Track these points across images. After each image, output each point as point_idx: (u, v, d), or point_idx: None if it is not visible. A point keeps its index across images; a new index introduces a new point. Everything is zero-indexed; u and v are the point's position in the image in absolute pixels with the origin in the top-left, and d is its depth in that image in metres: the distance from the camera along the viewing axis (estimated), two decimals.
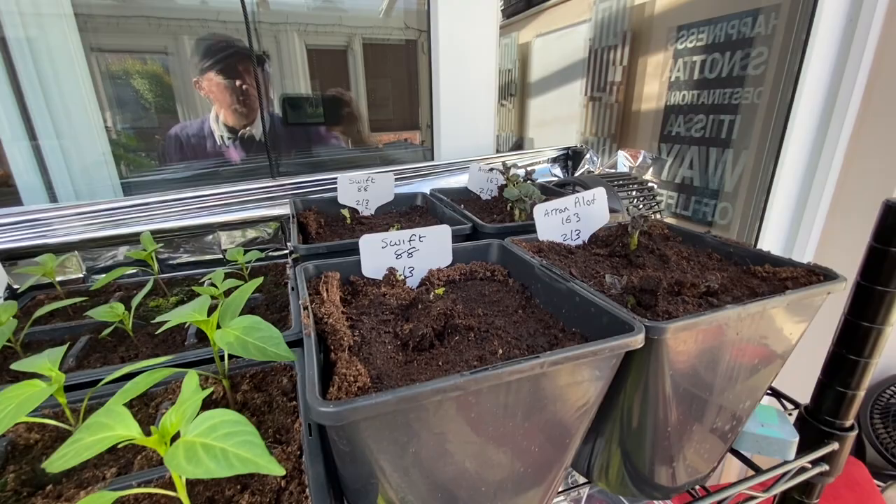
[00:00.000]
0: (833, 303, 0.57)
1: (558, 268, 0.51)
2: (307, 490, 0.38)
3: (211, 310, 0.47)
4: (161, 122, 1.21)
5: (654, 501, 0.79)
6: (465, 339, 0.45)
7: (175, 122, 1.21)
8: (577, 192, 0.64)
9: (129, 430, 0.31)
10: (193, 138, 1.19)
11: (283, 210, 0.96)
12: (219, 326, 0.45)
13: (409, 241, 0.55)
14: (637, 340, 0.36)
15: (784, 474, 0.59)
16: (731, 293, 0.48)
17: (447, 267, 0.57)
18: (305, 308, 0.42)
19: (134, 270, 0.87)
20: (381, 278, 0.54)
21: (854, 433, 0.62)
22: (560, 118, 3.77)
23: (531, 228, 0.63)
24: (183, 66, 1.19)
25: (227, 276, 0.67)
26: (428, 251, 0.56)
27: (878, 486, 1.75)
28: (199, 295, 0.70)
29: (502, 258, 0.60)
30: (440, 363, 0.41)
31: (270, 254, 0.93)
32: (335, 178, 0.92)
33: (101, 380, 0.47)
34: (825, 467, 0.62)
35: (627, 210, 0.91)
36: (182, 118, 1.22)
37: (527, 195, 0.75)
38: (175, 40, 1.19)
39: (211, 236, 0.92)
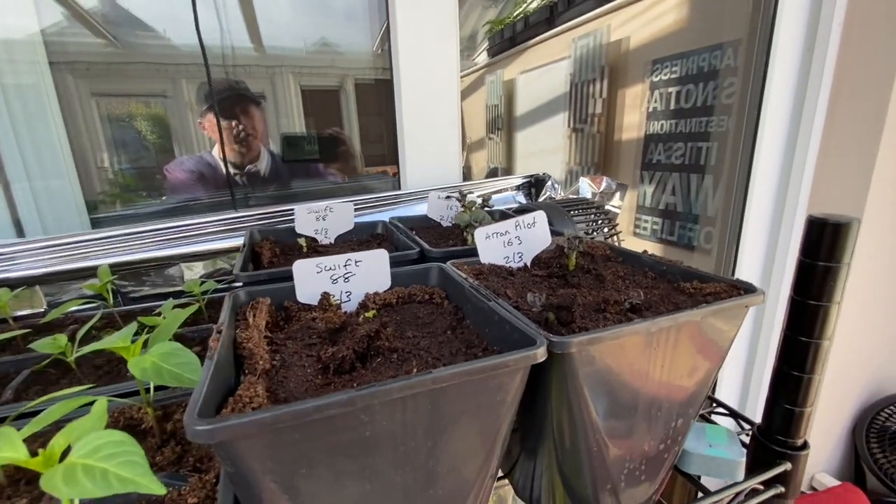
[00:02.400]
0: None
1: (485, 287, 0.51)
2: None
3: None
4: (159, 161, 1.27)
5: None
6: (388, 361, 0.45)
7: (169, 161, 1.26)
8: None
9: (17, 452, 0.31)
10: (197, 171, 1.24)
11: (241, 242, 0.97)
12: None
13: (345, 265, 0.56)
14: (538, 354, 0.36)
15: (736, 496, 0.58)
16: (656, 309, 0.49)
17: (385, 291, 0.58)
18: (219, 332, 0.42)
19: (95, 304, 0.88)
20: (315, 303, 0.55)
21: (807, 452, 0.61)
22: (545, 150, 3.87)
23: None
24: (180, 108, 1.26)
25: (178, 306, 0.68)
26: (365, 275, 0.57)
27: None
28: (149, 326, 0.70)
29: (442, 281, 0.60)
30: (356, 385, 0.41)
31: (233, 285, 0.94)
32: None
33: (38, 412, 0.46)
34: (780, 489, 0.60)
35: (585, 233, 0.92)
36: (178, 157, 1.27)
37: (477, 220, 0.77)
38: (173, 83, 1.25)
39: (174, 268, 0.93)
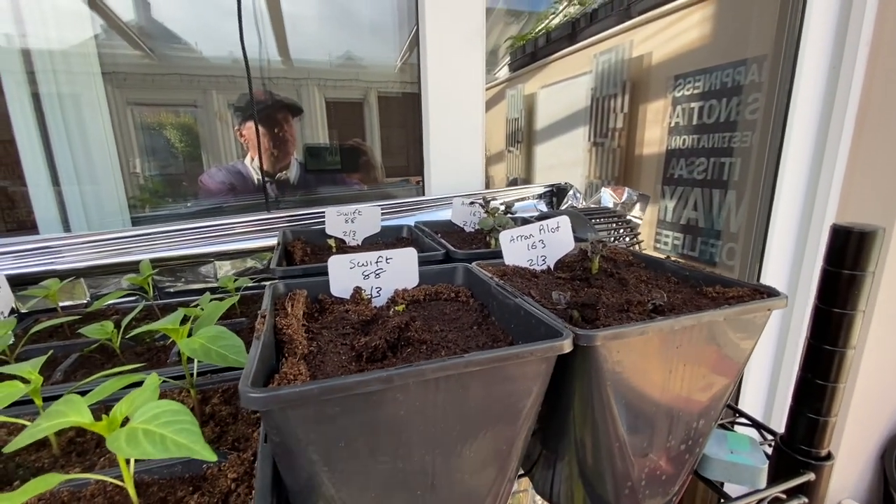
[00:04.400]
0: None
1: (511, 286, 0.53)
2: (253, 492, 0.40)
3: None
4: (187, 169, 1.33)
5: None
6: (417, 352, 0.47)
7: (199, 168, 1.32)
8: None
9: (82, 416, 0.34)
10: (230, 180, 1.31)
11: (275, 241, 1.01)
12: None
13: (377, 262, 0.58)
14: (564, 345, 0.38)
15: (757, 503, 0.57)
16: (679, 311, 0.50)
17: (413, 288, 0.60)
18: (263, 317, 0.45)
19: (134, 298, 0.92)
20: (348, 297, 0.57)
21: (831, 463, 0.60)
22: (565, 163, 3.88)
23: (502, 255, 0.67)
24: (209, 117, 1.32)
25: (215, 300, 0.71)
26: (395, 272, 0.59)
27: None
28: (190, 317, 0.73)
29: (467, 280, 0.62)
30: None
31: (264, 283, 0.98)
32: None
33: (86, 391, 0.50)
34: (804, 499, 0.60)
35: (612, 241, 0.93)
36: (206, 165, 1.33)
37: (500, 225, 0.79)
38: (203, 94, 1.32)
39: (208, 266, 0.97)
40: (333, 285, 0.57)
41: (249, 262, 1.05)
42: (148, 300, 0.82)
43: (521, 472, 0.61)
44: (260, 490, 0.38)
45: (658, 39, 2.77)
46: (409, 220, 1.06)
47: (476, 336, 0.50)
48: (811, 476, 0.59)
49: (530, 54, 4.21)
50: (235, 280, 0.84)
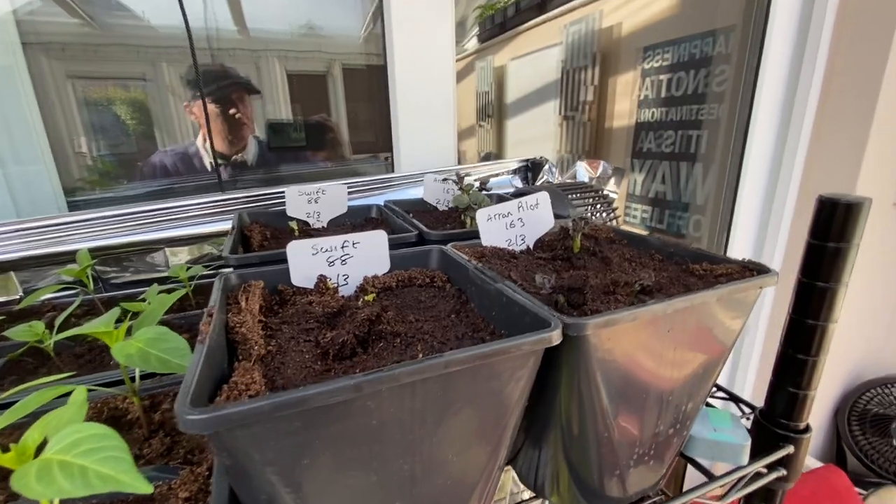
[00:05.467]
0: (784, 303, 0.57)
1: (490, 269, 0.49)
2: None
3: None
4: (141, 148, 1.21)
5: None
6: (391, 346, 0.42)
7: (154, 148, 1.20)
8: None
9: None
10: (180, 164, 1.19)
11: (230, 225, 0.94)
12: None
13: (342, 247, 0.53)
14: (552, 337, 0.34)
15: (739, 480, 0.57)
16: (667, 291, 0.47)
17: (384, 274, 0.55)
18: (210, 315, 0.39)
19: (75, 291, 0.84)
20: (311, 286, 0.52)
21: (809, 435, 0.60)
22: (536, 137, 3.84)
23: (479, 235, 0.62)
24: (162, 92, 1.19)
25: (163, 291, 0.64)
26: (363, 258, 0.54)
27: (860, 493, 1.73)
28: (133, 312, 0.66)
29: (443, 264, 0.58)
30: (358, 371, 0.38)
31: (221, 270, 0.90)
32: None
33: (12, 403, 0.43)
34: (783, 472, 0.60)
35: (590, 216, 0.90)
36: (161, 144, 1.21)
37: (476, 203, 0.74)
38: (153, 67, 1.19)
39: (157, 254, 0.89)
40: (294, 274, 0.52)
41: (206, 248, 0.97)
42: (89, 293, 0.74)
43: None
44: None
45: (628, 9, 2.72)
46: (378, 199, 1.00)
47: (454, 326, 0.46)
48: (790, 449, 0.59)
49: (499, 24, 4.09)
50: (188, 268, 0.77)
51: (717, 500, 0.58)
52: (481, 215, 0.61)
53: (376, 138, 1.39)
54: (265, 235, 0.76)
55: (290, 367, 0.39)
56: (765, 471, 0.59)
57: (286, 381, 0.36)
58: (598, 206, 0.95)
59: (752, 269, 0.47)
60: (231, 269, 0.53)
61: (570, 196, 0.89)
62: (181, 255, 0.95)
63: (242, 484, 0.30)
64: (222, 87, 1.22)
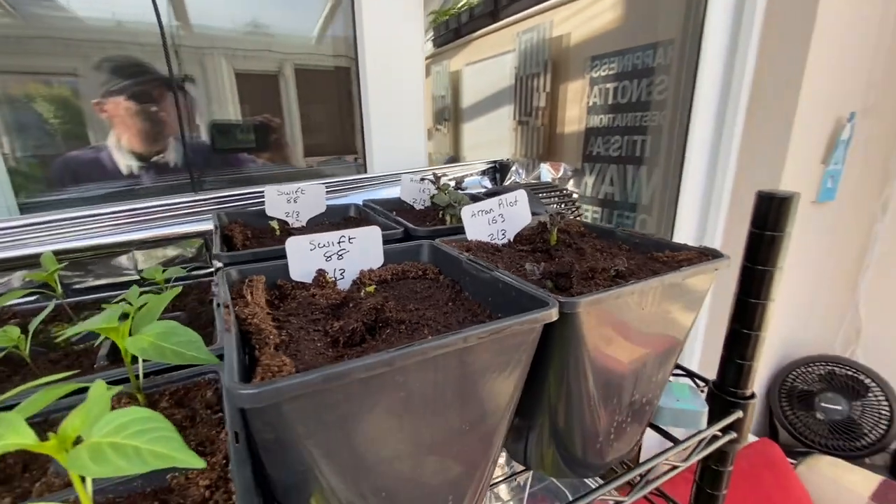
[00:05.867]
0: (720, 289, 0.65)
1: (484, 260, 0.53)
2: (234, 497, 0.36)
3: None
4: (70, 149, 1.11)
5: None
6: (397, 332, 0.45)
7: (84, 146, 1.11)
8: None
9: (23, 437, 0.28)
10: (88, 168, 1.08)
11: (207, 226, 0.92)
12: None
13: (339, 242, 0.55)
14: (552, 314, 0.39)
15: (699, 443, 0.64)
16: (637, 275, 0.53)
17: (379, 268, 0.58)
18: (226, 307, 0.41)
19: (34, 297, 0.79)
20: (310, 281, 0.54)
21: (754, 401, 0.69)
22: (492, 141, 3.94)
23: (460, 231, 0.66)
24: (94, 89, 1.11)
25: (144, 293, 0.63)
26: (359, 252, 0.57)
27: (791, 462, 1.93)
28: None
29: (433, 257, 0.61)
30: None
31: (193, 272, 0.89)
32: (262, 192, 0.91)
33: (9, 406, 0.42)
34: (734, 435, 0.68)
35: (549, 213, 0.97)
36: (93, 144, 1.12)
37: (456, 201, 0.78)
38: (85, 62, 1.11)
39: (124, 257, 0.86)
40: (293, 269, 0.53)
41: (171, 252, 0.94)
42: (58, 298, 0.71)
43: None
44: (242, 494, 0.35)
45: (576, 20, 2.87)
46: (351, 199, 1.02)
47: (454, 311, 0.49)
48: (740, 414, 0.68)
49: (454, 30, 4.17)
50: (164, 271, 0.75)
51: (679, 461, 0.65)
52: (466, 212, 0.64)
53: (337, 140, 1.37)
54: (246, 235, 0.75)
55: (305, 353, 0.41)
56: (720, 434, 0.67)
57: (306, 366, 0.38)
58: (563, 204, 1.02)
59: (708, 255, 0.54)
60: (227, 267, 0.53)
61: (539, 195, 0.95)
62: (141, 259, 0.92)
63: (278, 458, 0.32)
64: (143, 81, 1.11)
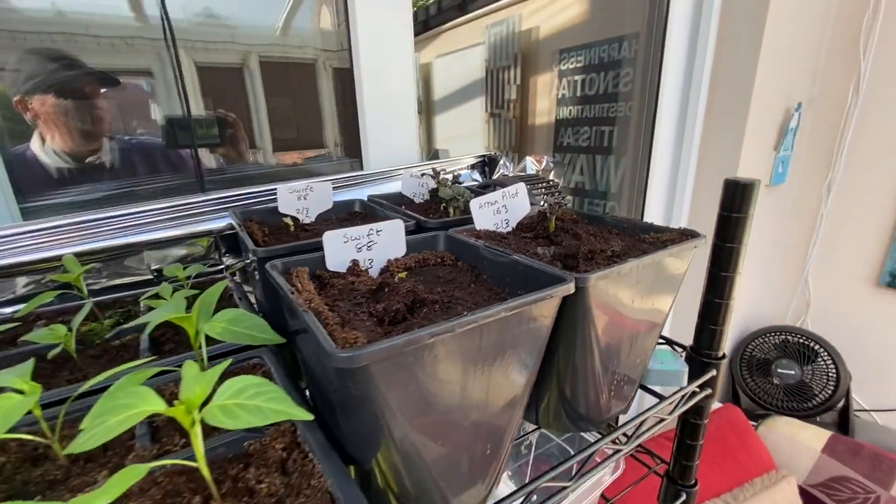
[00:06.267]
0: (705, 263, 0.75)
1: (499, 246, 0.61)
2: (309, 455, 0.43)
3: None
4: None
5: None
6: (433, 311, 0.52)
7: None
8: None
9: (155, 405, 0.34)
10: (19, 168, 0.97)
11: (212, 225, 0.95)
12: None
13: (368, 235, 0.61)
14: (570, 287, 0.46)
15: (682, 398, 0.75)
16: (630, 254, 0.62)
17: (403, 257, 0.64)
18: (297, 292, 0.46)
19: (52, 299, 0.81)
20: (345, 270, 0.60)
21: (725, 360, 0.80)
22: (465, 133, 4.01)
23: (467, 221, 0.73)
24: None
25: (178, 288, 0.67)
26: (385, 243, 0.63)
27: (752, 424, 2.11)
28: (137, 315, 0.69)
29: (449, 246, 0.68)
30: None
31: (213, 268, 0.92)
32: (264, 190, 0.95)
33: (66, 398, 0.46)
34: (709, 391, 0.79)
35: (542, 203, 1.05)
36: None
37: (459, 195, 0.85)
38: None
39: (134, 257, 0.88)
40: (329, 260, 0.59)
41: (180, 251, 0.97)
42: (84, 298, 0.73)
43: None
44: (320, 450, 0.41)
45: (544, 14, 2.95)
46: (350, 195, 1.06)
47: (478, 292, 0.56)
48: (714, 372, 0.78)
49: (422, 22, 4.18)
50: (185, 268, 0.79)
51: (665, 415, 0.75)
52: (474, 203, 0.72)
53: (297, 135, 1.31)
54: (264, 231, 0.80)
55: (361, 331, 0.47)
56: (698, 390, 0.77)
57: (368, 339, 0.45)
58: (550, 194, 1.10)
59: (688, 235, 0.64)
60: (274, 260, 0.58)
61: (528, 187, 1.03)
62: (162, 259, 0.93)
63: (356, 414, 0.39)
64: (71, 76, 1.00)
